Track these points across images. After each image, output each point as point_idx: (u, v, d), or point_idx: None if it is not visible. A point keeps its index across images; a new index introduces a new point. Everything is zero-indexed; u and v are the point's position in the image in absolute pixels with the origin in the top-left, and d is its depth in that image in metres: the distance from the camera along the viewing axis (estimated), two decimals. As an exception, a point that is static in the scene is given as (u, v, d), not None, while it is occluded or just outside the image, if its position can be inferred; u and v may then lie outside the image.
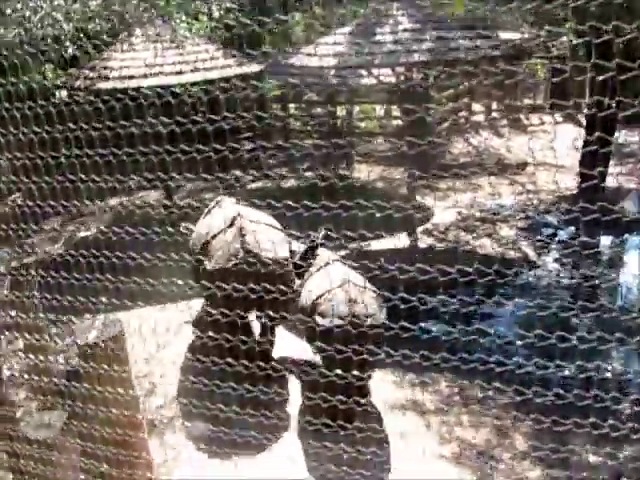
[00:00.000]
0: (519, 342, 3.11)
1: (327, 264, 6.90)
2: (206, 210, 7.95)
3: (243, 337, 3.95)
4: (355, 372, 5.52)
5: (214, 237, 7.20)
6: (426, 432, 6.39)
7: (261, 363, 3.70)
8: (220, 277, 6.09)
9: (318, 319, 6.17)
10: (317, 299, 6.37)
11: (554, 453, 5.32)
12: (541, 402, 3.18)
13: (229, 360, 4.02)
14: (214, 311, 5.07)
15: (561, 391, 3.17)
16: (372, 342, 5.09)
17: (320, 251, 7.31)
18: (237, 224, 7.11)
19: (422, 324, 3.13)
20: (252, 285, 4.49)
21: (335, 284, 6.29)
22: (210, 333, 4.67)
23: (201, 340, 6.35)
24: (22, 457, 4.58)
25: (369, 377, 6.40)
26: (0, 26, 7.56)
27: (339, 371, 4.51)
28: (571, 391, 3.07)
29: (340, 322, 5.95)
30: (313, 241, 7.27)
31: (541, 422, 3.28)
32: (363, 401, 6.32)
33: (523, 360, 3.20)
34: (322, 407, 3.94)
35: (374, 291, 6.31)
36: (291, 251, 7.41)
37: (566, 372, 7.17)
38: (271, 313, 6.15)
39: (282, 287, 6.33)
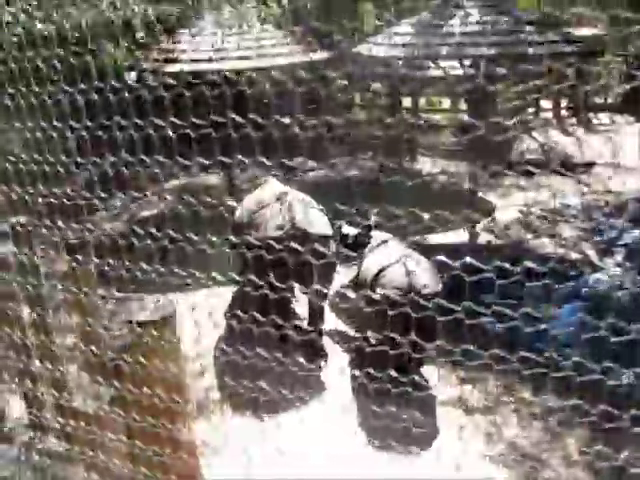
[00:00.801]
0: (574, 344, 3.00)
1: (383, 242, 7.38)
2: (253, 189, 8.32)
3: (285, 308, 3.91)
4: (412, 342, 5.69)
5: (261, 209, 7.54)
6: (472, 431, 6.31)
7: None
8: (265, 247, 6.30)
9: (378, 290, 6.60)
10: (378, 273, 6.84)
11: (606, 462, 5.18)
12: (595, 408, 3.07)
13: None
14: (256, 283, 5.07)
15: (617, 398, 3.07)
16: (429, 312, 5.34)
17: (374, 233, 7.66)
18: (285, 199, 7.48)
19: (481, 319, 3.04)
20: (296, 257, 4.53)
21: (393, 259, 6.84)
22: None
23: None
24: (73, 427, 4.70)
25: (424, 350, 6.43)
26: (73, 9, 7.70)
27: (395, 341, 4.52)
28: (629, 398, 2.97)
29: (399, 292, 6.44)
30: (368, 225, 7.66)
31: (594, 429, 3.19)
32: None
33: (578, 363, 3.09)
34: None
35: (430, 265, 6.88)
36: (344, 234, 7.57)
37: (624, 379, 7.03)
38: (318, 288, 6.62)
39: (325, 263, 6.84)
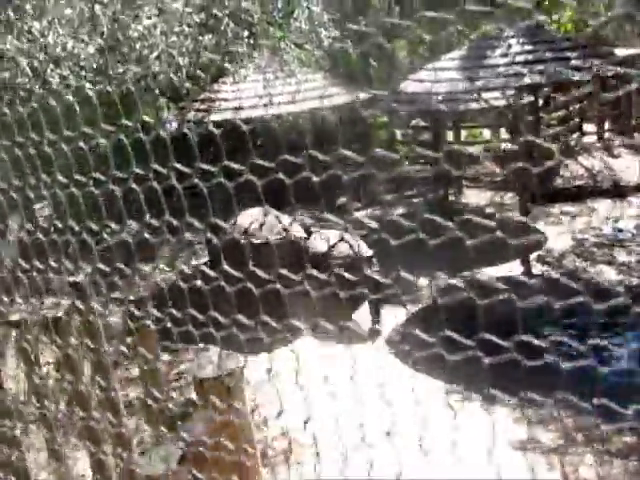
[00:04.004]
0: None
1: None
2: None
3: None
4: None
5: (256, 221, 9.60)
6: (548, 472, 6.07)
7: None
8: (265, 249, 8.25)
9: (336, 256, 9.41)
10: (330, 248, 9.41)
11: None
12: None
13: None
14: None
15: None
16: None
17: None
18: (274, 215, 9.17)
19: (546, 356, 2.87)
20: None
21: (335, 239, 9.46)
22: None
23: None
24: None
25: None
26: (118, 65, 7.83)
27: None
28: None
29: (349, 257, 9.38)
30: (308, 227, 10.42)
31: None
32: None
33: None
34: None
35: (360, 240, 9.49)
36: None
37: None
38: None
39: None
